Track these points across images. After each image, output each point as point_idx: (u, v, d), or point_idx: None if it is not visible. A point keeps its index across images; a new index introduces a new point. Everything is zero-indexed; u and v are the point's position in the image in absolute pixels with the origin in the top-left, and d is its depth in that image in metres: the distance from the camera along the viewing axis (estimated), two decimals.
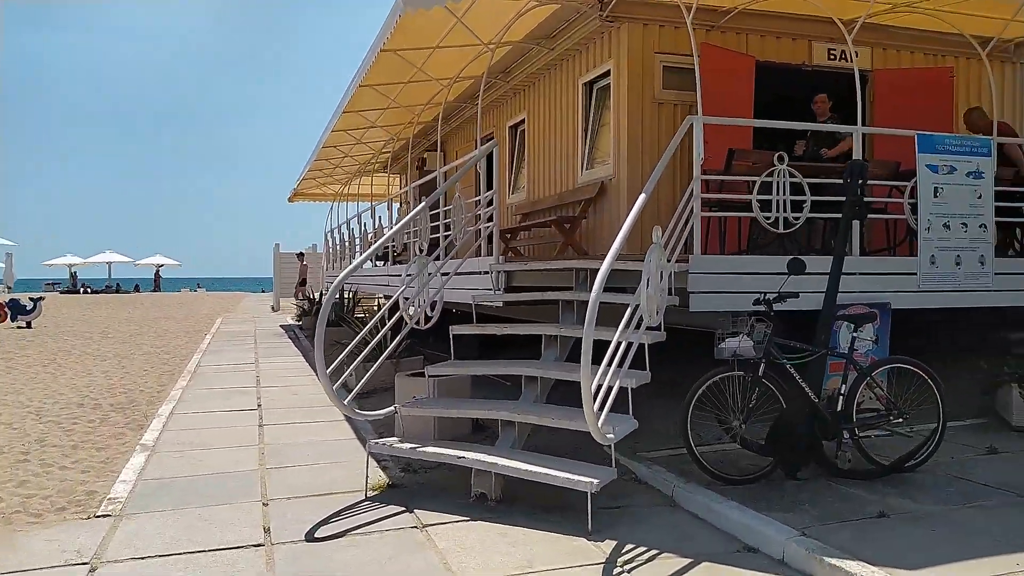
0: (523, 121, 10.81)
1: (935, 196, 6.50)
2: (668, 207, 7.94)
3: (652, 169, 8.05)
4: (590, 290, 5.82)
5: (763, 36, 8.48)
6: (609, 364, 4.17)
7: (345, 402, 5.15)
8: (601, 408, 4.06)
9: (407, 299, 6.01)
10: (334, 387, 5.27)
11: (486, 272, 6.65)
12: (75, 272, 49.49)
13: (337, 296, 15.47)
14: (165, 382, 9.79)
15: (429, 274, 6.02)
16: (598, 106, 8.84)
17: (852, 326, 5.01)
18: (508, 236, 9.77)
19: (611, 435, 4.09)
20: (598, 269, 5.86)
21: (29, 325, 18.54)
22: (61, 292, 45.75)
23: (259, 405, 7.99)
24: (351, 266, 5.68)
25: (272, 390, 8.95)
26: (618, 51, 8.12)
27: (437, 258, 6.64)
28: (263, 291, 51.54)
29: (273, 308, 27.91)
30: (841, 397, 4.80)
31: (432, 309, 6.05)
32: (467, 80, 10.47)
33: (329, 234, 20.33)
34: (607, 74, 8.43)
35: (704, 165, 5.85)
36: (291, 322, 20.76)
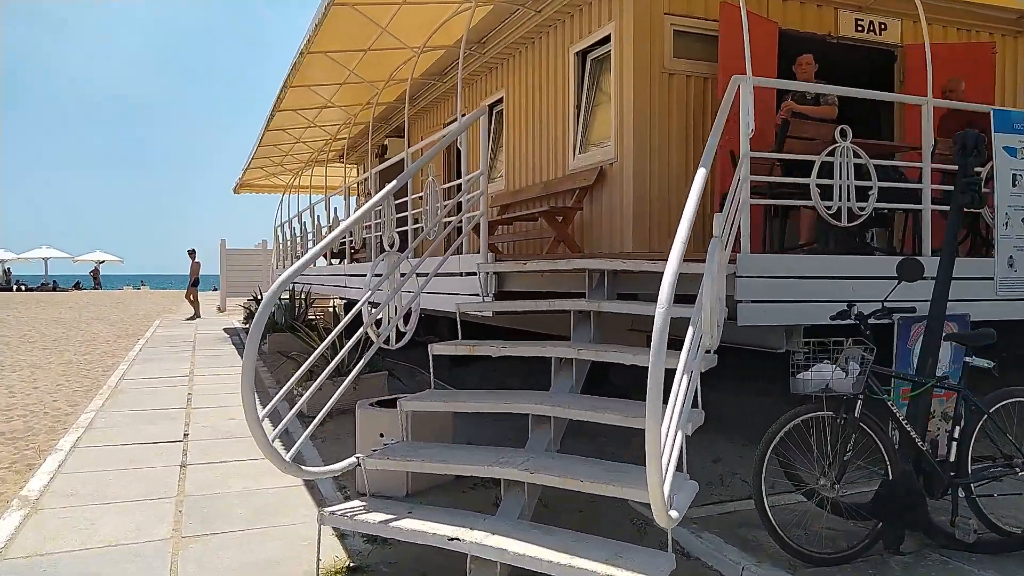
0: (501, 100, 9.49)
1: (1013, 185, 5.41)
2: (678, 193, 6.76)
3: (662, 149, 6.91)
4: (608, 297, 4.60)
5: (786, 0, 7.34)
6: (671, 406, 2.90)
7: (288, 457, 3.75)
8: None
9: (373, 306, 4.64)
10: (283, 422, 3.91)
11: (470, 273, 5.34)
12: (8, 268, 46.53)
13: (285, 298, 13.96)
14: (78, 400, 8.23)
15: (402, 275, 4.67)
16: (594, 79, 7.58)
17: (961, 348, 3.84)
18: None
19: (675, 512, 2.82)
20: (620, 271, 4.65)
21: None
22: None
23: (186, 435, 6.53)
24: (296, 264, 4.27)
25: (205, 413, 7.49)
26: (620, 12, 6.88)
27: (409, 255, 5.30)
28: (215, 289, 49.15)
29: (219, 308, 26.08)
30: (954, 443, 3.63)
31: (405, 322, 4.70)
32: (437, 50, 9.13)
33: (279, 228, 18.73)
34: (606, 40, 7.18)
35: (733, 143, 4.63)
36: (237, 324, 19.10)
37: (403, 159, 8.62)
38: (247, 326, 17.71)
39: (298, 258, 16.22)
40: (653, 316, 3.41)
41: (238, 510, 4.55)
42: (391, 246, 4.60)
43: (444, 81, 10.91)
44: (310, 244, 14.55)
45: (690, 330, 3.13)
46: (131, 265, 51.86)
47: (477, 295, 5.19)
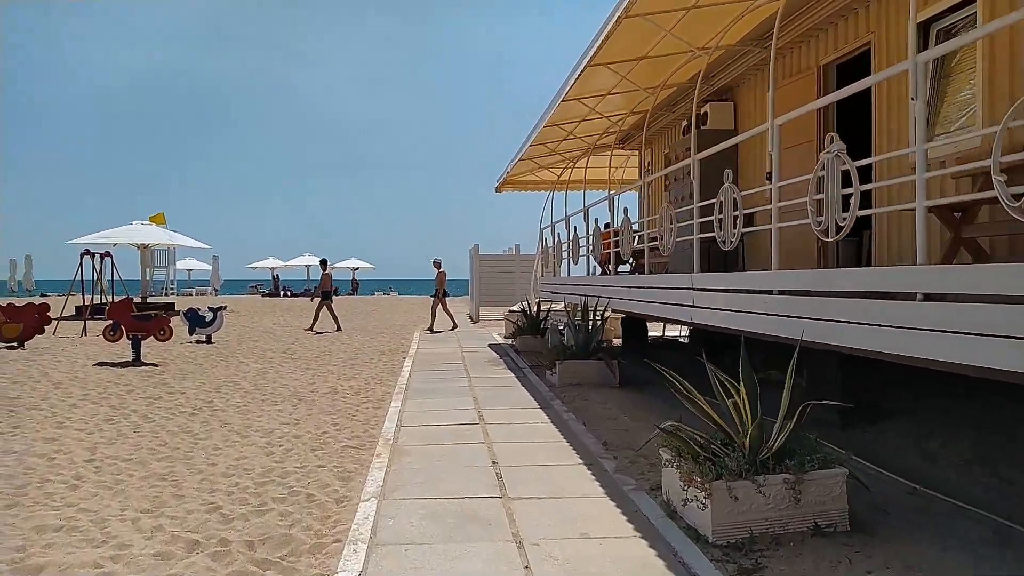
0: (955, 7, 5.85)
1: None
2: None
3: None
4: None
5: None
6: None
7: None
8: None
9: None
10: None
11: None
12: (277, 275, 49.91)
13: (577, 317, 10.83)
14: (350, 470, 5.88)
15: None
16: None
17: None
18: (957, 215, 4.90)
19: None
20: None
21: (209, 339, 16.03)
22: (263, 295, 45.97)
23: (527, 566, 3.71)
24: None
25: (534, 512, 4.68)
26: None
27: None
28: (447, 295, 49.39)
29: (472, 318, 24.47)
30: None
31: None
32: None
33: (548, 229, 16.25)
34: None
35: None
36: (500, 340, 16.92)
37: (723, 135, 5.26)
38: (514, 343, 15.41)
39: (565, 262, 13.44)
40: None
41: None
42: None
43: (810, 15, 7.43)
44: (618, 246, 11.68)
45: None
46: (382, 271, 53.66)
47: None
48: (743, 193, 6.24)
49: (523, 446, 6.55)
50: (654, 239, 8.81)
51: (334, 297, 21.14)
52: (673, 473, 4.52)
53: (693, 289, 6.94)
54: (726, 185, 6.14)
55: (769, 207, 7.05)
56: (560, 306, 17.33)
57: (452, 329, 19.52)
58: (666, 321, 8.38)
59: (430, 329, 19.60)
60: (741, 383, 4.45)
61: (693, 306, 6.96)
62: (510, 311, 18.37)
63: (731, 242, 6.10)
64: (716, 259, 9.18)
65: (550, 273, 16.68)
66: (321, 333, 18.60)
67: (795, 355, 4.56)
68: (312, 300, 19.72)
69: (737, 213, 5.96)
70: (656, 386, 9.53)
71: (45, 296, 32.77)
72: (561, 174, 15.83)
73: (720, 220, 6.23)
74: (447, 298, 20.18)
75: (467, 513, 4.70)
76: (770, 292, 5.38)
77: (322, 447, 6.65)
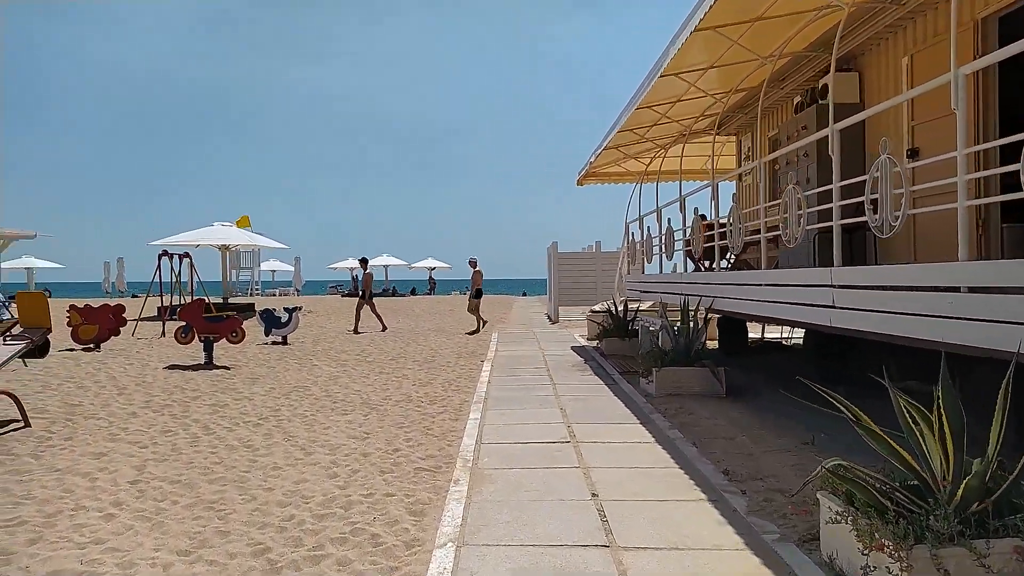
0: None
1: None
2: None
3: None
4: None
5: None
6: None
7: None
8: None
9: None
10: None
11: None
12: (356, 275, 50.15)
13: (674, 317, 9.60)
14: (424, 501, 4.97)
15: None
16: None
17: None
18: None
19: None
20: None
21: (285, 340, 15.57)
22: (343, 295, 46.19)
23: None
24: None
25: (651, 565, 3.63)
26: None
27: None
28: (524, 294, 48.66)
29: (550, 318, 23.48)
30: None
31: None
32: None
33: (635, 224, 15.08)
34: None
35: None
36: (582, 341, 15.87)
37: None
38: (599, 346, 14.35)
39: (659, 258, 12.20)
40: None
41: None
42: None
43: None
44: (721, 237, 10.48)
45: None
46: (458, 271, 53.27)
47: None
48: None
49: (626, 473, 5.51)
50: (771, 229, 7.61)
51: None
52: (845, 530, 3.40)
53: (832, 286, 5.73)
54: (883, 156, 4.93)
55: (908, 190, 5.83)
56: (647, 305, 16.15)
57: (474, 332, 18.49)
58: (793, 324, 7.15)
59: (477, 330, 18.65)
60: (941, 410, 3.29)
61: (832, 307, 5.75)
62: (592, 311, 17.29)
63: (891, 227, 4.88)
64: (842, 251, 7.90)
65: (637, 270, 15.51)
66: (363, 333, 18.19)
67: (1010, 372, 3.37)
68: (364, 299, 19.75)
69: (902, 191, 4.75)
70: (769, 396, 8.33)
71: (136, 297, 33.55)
72: (650, 163, 14.64)
73: (874, 202, 5.02)
74: (478, 299, 19.37)
75: (567, 570, 3.71)
76: (956, 289, 4.17)
77: (392, 468, 5.78)
